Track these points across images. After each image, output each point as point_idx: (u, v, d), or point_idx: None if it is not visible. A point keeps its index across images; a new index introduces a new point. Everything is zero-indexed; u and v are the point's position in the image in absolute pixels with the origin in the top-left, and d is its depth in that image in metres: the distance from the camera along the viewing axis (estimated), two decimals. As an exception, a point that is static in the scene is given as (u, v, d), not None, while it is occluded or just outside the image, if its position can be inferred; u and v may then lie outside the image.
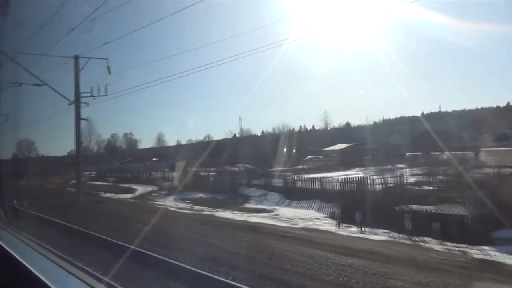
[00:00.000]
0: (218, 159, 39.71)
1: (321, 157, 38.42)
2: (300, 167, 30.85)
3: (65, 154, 53.00)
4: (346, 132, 52.49)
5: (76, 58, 18.24)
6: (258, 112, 63.53)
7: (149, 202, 20.92)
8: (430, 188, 14.52)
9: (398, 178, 16.78)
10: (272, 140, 43.10)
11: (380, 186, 14.80)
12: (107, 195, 23.79)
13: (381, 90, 54.77)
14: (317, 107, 59.43)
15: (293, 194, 17.59)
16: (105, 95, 18.78)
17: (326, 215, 13.82)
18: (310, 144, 46.48)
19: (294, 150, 36.81)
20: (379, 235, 10.45)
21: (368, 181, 15.07)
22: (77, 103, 18.10)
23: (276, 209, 15.46)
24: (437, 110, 49.26)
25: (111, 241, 8.70)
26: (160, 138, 51.64)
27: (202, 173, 25.16)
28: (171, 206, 18.46)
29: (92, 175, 34.82)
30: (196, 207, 17.84)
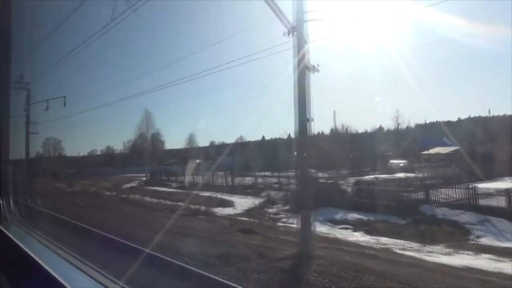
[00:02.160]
0: (271, 162, 33.99)
1: (405, 162, 32.66)
2: (413, 175, 24.65)
3: (86, 154, 47.26)
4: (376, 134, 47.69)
5: None
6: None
7: (279, 224, 14.63)
8: None
9: None
10: (332, 141, 37.66)
11: None
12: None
13: (399, 96, 50.01)
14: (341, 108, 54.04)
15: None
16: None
17: None
18: (373, 147, 41.07)
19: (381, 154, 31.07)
20: None
21: None
22: (299, 29, 8.93)
23: None
24: (476, 115, 44.41)
25: None
26: (191, 139, 44.92)
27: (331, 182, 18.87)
28: (340, 236, 12.19)
29: (146, 179, 28.01)
30: (384, 241, 11.62)
